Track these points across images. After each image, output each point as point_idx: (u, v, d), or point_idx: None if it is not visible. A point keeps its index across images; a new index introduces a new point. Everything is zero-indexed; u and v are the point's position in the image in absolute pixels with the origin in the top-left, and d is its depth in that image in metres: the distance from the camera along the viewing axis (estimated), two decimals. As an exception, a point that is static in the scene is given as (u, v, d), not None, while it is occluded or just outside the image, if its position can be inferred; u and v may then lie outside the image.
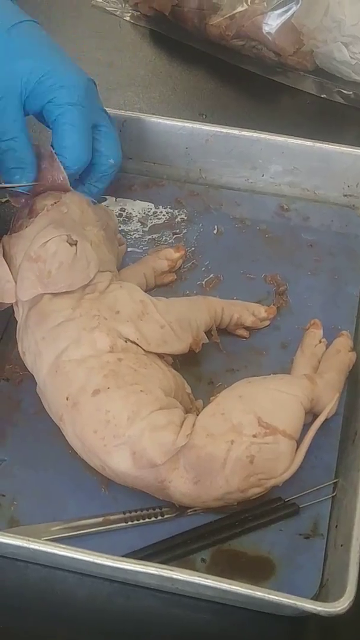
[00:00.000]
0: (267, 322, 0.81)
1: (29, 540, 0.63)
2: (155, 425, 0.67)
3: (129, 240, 0.87)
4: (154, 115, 0.89)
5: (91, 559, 0.62)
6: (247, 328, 0.81)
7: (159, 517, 0.69)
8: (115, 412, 0.67)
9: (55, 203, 0.76)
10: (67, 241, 0.73)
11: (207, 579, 0.62)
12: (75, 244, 0.73)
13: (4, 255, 0.75)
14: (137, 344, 0.72)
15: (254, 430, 0.68)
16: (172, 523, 0.70)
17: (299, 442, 0.70)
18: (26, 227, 0.76)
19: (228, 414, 0.68)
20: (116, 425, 0.67)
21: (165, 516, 0.69)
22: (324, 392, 0.72)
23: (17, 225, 0.78)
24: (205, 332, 0.78)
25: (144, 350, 0.72)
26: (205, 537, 0.69)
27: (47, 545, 0.63)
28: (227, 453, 0.67)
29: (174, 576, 0.62)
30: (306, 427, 0.71)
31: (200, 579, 0.62)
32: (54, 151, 0.76)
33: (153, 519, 0.69)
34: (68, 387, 0.69)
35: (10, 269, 0.74)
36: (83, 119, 0.77)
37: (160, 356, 0.74)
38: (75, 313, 0.72)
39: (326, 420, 0.72)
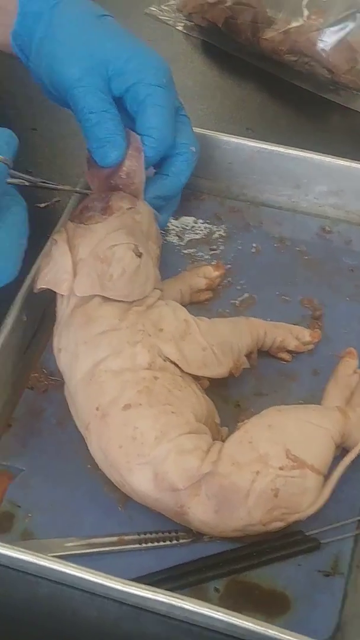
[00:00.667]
0: (310, 347, 0.79)
1: (38, 556, 0.61)
2: (182, 449, 0.65)
3: (164, 253, 0.85)
4: (199, 128, 0.87)
5: (99, 581, 0.60)
6: (289, 351, 0.79)
7: (175, 542, 0.68)
8: (143, 430, 0.66)
9: (131, 208, 0.75)
10: (133, 251, 0.71)
11: (217, 611, 0.61)
12: (140, 257, 0.71)
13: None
14: (177, 364, 0.70)
15: (281, 463, 0.66)
16: (188, 548, 0.68)
17: (327, 477, 0.68)
18: (97, 222, 0.74)
19: (256, 443, 0.66)
20: (142, 443, 0.65)
21: (181, 541, 0.68)
22: (356, 427, 0.70)
23: (85, 216, 0.75)
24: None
25: (181, 371, 0.70)
26: (220, 566, 0.67)
27: (55, 562, 0.61)
28: (251, 484, 0.65)
29: (183, 605, 0.61)
30: (335, 460, 0.69)
31: (211, 611, 0.60)
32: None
33: (168, 542, 0.68)
34: (100, 397, 0.68)
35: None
36: (170, 101, 0.78)
37: (196, 378, 0.72)
38: (121, 324, 0.70)
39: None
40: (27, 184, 0.71)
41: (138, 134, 0.77)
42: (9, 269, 0.66)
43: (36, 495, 0.69)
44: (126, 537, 0.67)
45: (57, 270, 0.71)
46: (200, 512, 0.65)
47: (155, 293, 0.74)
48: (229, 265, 0.85)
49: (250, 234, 0.88)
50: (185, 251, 0.87)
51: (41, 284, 0.72)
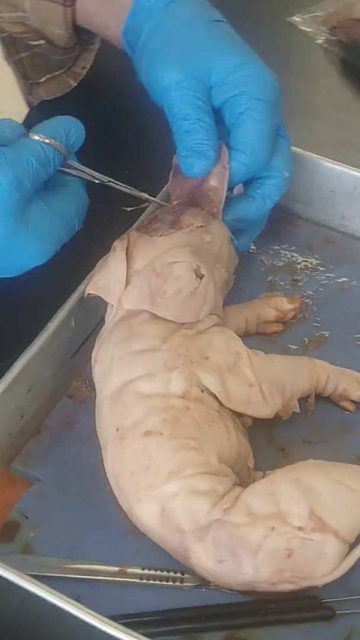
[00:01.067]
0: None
1: (16, 574, 0.57)
2: (195, 489, 0.61)
3: (239, 278, 0.81)
4: (301, 150, 0.82)
5: (72, 611, 0.56)
6: (353, 402, 0.73)
7: (178, 583, 0.63)
8: (158, 461, 0.62)
9: (202, 226, 0.71)
10: (195, 271, 0.68)
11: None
12: (201, 278, 0.68)
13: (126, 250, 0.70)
14: (216, 398, 0.66)
15: (301, 522, 0.60)
16: (192, 593, 0.63)
17: (352, 546, 0.62)
18: (162, 235, 0.71)
19: (278, 497, 0.61)
20: (155, 475, 0.62)
21: (185, 584, 0.63)
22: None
23: (152, 227, 0.72)
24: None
25: (219, 405, 0.66)
26: (221, 617, 0.62)
27: (32, 584, 0.57)
28: (263, 539, 0.60)
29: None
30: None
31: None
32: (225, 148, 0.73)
33: (171, 583, 0.63)
34: (122, 419, 0.64)
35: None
36: (270, 119, 0.73)
37: (239, 415, 0.68)
38: (163, 346, 0.66)
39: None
40: (89, 178, 0.68)
41: (231, 148, 0.73)
42: (43, 248, 0.65)
43: (47, 509, 0.66)
44: (128, 570, 0.64)
45: (109, 278, 0.68)
46: (204, 559, 0.61)
47: (210, 319, 0.69)
48: (308, 300, 0.80)
49: (340, 269, 0.83)
50: (266, 278, 0.82)
51: (91, 289, 0.69)
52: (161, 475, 0.61)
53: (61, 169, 0.66)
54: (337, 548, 0.61)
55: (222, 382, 0.66)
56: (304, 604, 0.62)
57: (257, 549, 0.60)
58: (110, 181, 0.70)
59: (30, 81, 0.96)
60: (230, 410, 0.67)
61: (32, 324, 0.71)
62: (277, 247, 0.84)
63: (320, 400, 0.73)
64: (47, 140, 0.63)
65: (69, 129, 0.65)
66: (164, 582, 0.63)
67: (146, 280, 0.67)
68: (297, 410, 0.70)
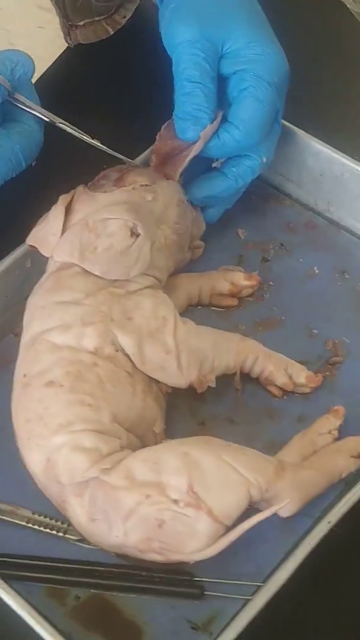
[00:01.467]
0: (306, 390, 0.72)
1: None
2: (78, 444, 0.62)
3: (212, 248, 0.80)
4: (296, 128, 0.80)
5: None
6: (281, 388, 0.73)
7: (60, 534, 0.65)
8: (52, 412, 0.63)
9: (145, 185, 0.72)
10: (130, 229, 0.68)
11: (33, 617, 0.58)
12: (136, 237, 0.68)
13: (68, 205, 0.70)
14: (131, 360, 0.66)
15: (178, 495, 0.61)
16: (72, 545, 0.64)
17: (229, 528, 0.62)
18: (104, 192, 0.71)
19: (161, 466, 0.62)
20: (46, 425, 0.63)
21: (67, 535, 0.65)
22: (287, 490, 0.63)
23: (98, 184, 0.73)
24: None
25: (133, 367, 0.66)
26: (91, 575, 0.63)
27: None
28: (136, 505, 0.60)
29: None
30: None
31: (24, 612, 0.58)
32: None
33: (54, 532, 0.65)
34: (30, 366, 0.65)
35: (64, 223, 0.70)
36: (271, 102, 0.73)
37: (157, 381, 0.68)
38: (85, 300, 0.67)
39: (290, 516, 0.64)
40: (39, 116, 0.69)
41: (227, 121, 0.73)
42: None
43: None
44: (18, 511, 0.66)
45: (47, 230, 0.69)
46: (79, 514, 0.62)
47: (145, 279, 0.70)
48: (271, 283, 0.79)
49: (313, 256, 0.81)
50: (238, 252, 0.81)
51: (30, 241, 0.70)
52: (51, 426, 0.62)
53: (18, 105, 0.66)
54: (209, 527, 0.61)
55: (139, 344, 0.66)
56: (174, 579, 0.63)
57: (129, 514, 0.60)
58: (62, 123, 0.70)
59: (70, 23, 0.97)
60: (147, 375, 0.67)
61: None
62: (258, 223, 0.83)
63: (252, 382, 0.73)
64: None
65: (15, 63, 0.65)
66: (48, 530, 0.65)
67: (78, 235, 0.68)
68: (213, 385, 0.69)
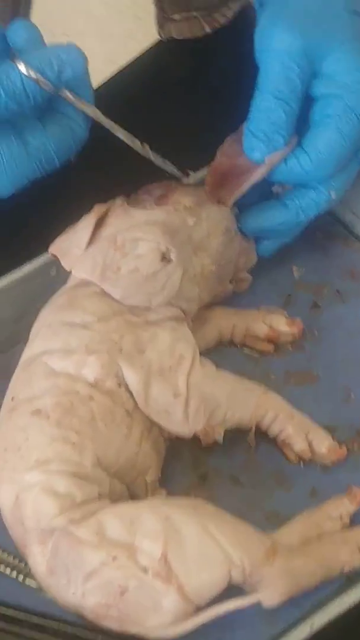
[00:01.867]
0: (325, 461, 0.64)
1: None
2: (50, 487, 0.55)
3: (259, 282, 0.72)
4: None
5: None
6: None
7: (20, 578, 0.59)
8: (32, 445, 0.57)
9: (190, 208, 0.65)
10: (162, 253, 0.61)
11: None
12: (167, 263, 0.62)
13: (102, 217, 0.64)
14: (133, 397, 0.60)
15: (148, 562, 0.54)
16: (31, 592, 0.59)
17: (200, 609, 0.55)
18: (143, 208, 0.65)
19: (137, 527, 0.55)
20: (22, 457, 0.57)
21: (26, 581, 0.59)
22: (274, 578, 0.55)
23: (139, 198, 0.66)
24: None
25: (135, 407, 0.60)
26: (42, 629, 0.57)
27: None
28: (101, 566, 0.54)
29: None
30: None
31: None
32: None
33: (14, 574, 0.59)
34: (21, 389, 0.60)
35: (92, 237, 0.63)
36: (354, 138, 0.64)
37: (157, 425, 0.61)
38: (95, 325, 0.61)
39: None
40: (88, 113, 0.61)
41: (299, 145, 0.65)
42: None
43: None
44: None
45: (73, 241, 0.63)
46: (39, 563, 0.56)
47: (168, 310, 0.63)
48: (316, 332, 0.71)
49: (373, 309, 0.73)
50: (287, 291, 0.73)
51: (52, 250, 0.64)
52: (28, 461, 0.56)
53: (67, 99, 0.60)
54: (176, 604, 0.54)
55: (146, 382, 0.60)
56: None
57: (91, 574, 0.54)
58: (113, 127, 0.63)
59: (165, 15, 0.91)
60: (148, 418, 0.61)
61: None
62: (317, 263, 0.75)
63: (268, 441, 0.65)
64: (31, 73, 0.57)
65: (64, 63, 0.58)
66: (8, 571, 0.59)
67: (103, 251, 0.61)
68: (220, 439, 0.62)
